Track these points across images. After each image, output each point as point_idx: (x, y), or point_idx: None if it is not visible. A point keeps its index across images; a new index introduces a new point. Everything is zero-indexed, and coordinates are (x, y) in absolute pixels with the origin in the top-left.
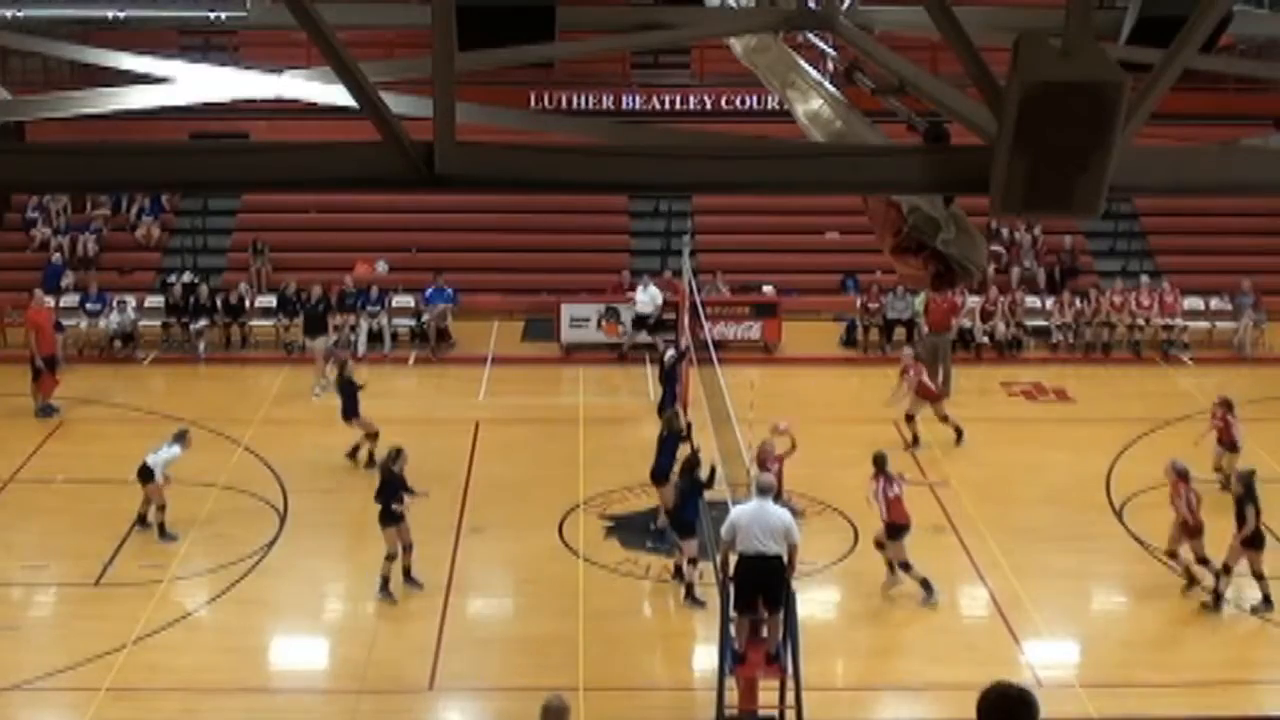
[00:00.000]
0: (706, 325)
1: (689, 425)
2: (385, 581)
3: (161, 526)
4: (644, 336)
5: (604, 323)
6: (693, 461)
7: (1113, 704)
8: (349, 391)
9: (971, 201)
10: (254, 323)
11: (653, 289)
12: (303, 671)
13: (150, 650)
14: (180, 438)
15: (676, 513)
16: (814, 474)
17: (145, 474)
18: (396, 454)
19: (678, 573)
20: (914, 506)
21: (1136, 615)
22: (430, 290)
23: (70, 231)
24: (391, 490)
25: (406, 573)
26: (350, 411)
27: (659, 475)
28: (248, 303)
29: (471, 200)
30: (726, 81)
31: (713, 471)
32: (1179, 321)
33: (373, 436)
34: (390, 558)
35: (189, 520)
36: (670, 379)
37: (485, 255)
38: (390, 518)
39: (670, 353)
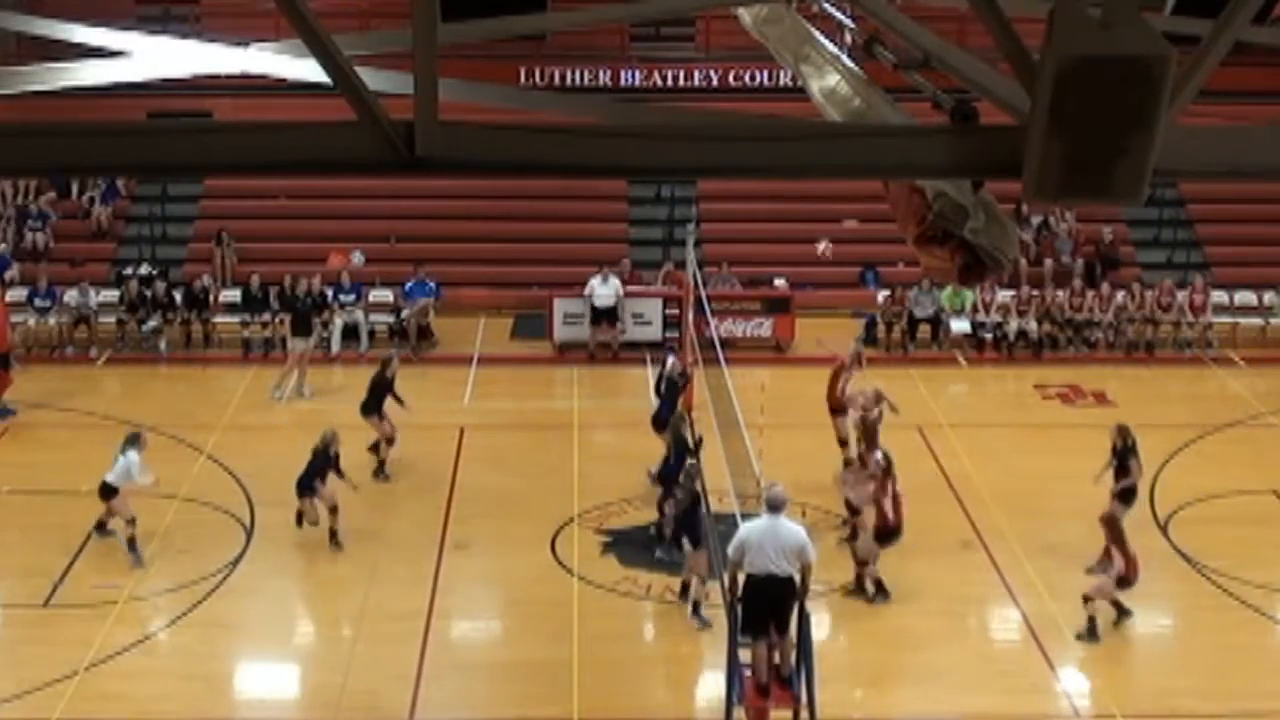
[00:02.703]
0: (713, 322)
1: (699, 439)
2: (333, 534)
3: (132, 541)
4: (603, 334)
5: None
6: (693, 471)
7: None
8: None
9: (1002, 187)
10: (218, 319)
11: (613, 280)
12: (272, 700)
13: (104, 677)
14: (133, 442)
15: (683, 522)
16: (830, 484)
17: (107, 490)
18: (333, 436)
19: (684, 591)
20: (939, 521)
21: (1183, 639)
22: (410, 284)
23: (16, 219)
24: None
25: (333, 535)
26: (372, 408)
27: (665, 480)
28: (211, 297)
29: (456, 185)
30: (735, 56)
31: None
32: (1206, 318)
33: (390, 441)
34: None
35: (147, 535)
36: (670, 392)
37: (470, 246)
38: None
39: (672, 360)
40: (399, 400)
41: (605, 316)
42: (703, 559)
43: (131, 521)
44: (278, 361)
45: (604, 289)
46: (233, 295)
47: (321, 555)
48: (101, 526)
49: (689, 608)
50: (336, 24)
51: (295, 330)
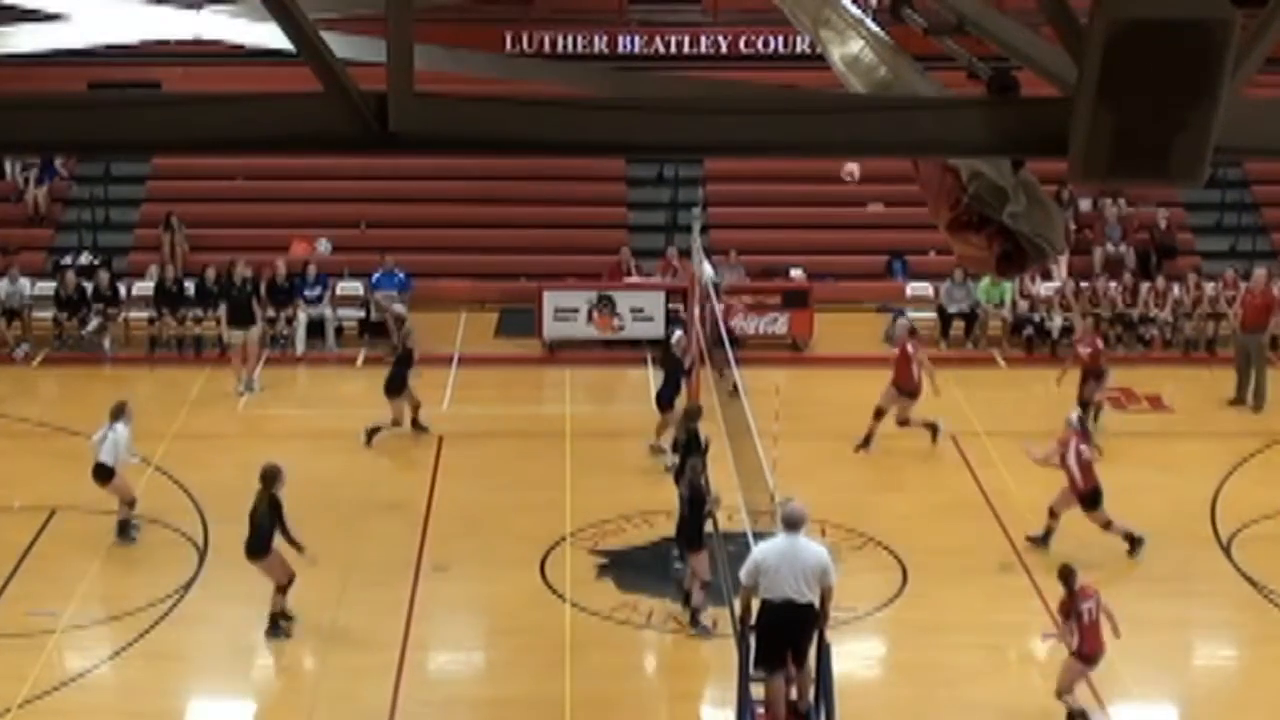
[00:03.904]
0: (721, 318)
1: (707, 440)
2: (276, 619)
3: (125, 525)
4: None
5: (596, 314)
6: (696, 469)
7: None
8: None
9: (1045, 166)
10: (133, 315)
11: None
12: None
13: (39, 715)
14: (119, 413)
15: (682, 525)
16: (853, 500)
17: (103, 472)
18: (276, 472)
19: (686, 600)
20: (976, 541)
21: (1247, 672)
22: (377, 274)
23: None
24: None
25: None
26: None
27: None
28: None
29: (433, 164)
30: (745, 19)
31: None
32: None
33: (398, 423)
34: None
35: (88, 556)
36: (673, 366)
37: (450, 232)
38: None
39: (679, 334)
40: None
41: None
42: (703, 560)
43: (131, 503)
44: (230, 360)
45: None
46: (145, 288)
47: None
48: (125, 528)
49: (688, 616)
50: None
51: (232, 320)
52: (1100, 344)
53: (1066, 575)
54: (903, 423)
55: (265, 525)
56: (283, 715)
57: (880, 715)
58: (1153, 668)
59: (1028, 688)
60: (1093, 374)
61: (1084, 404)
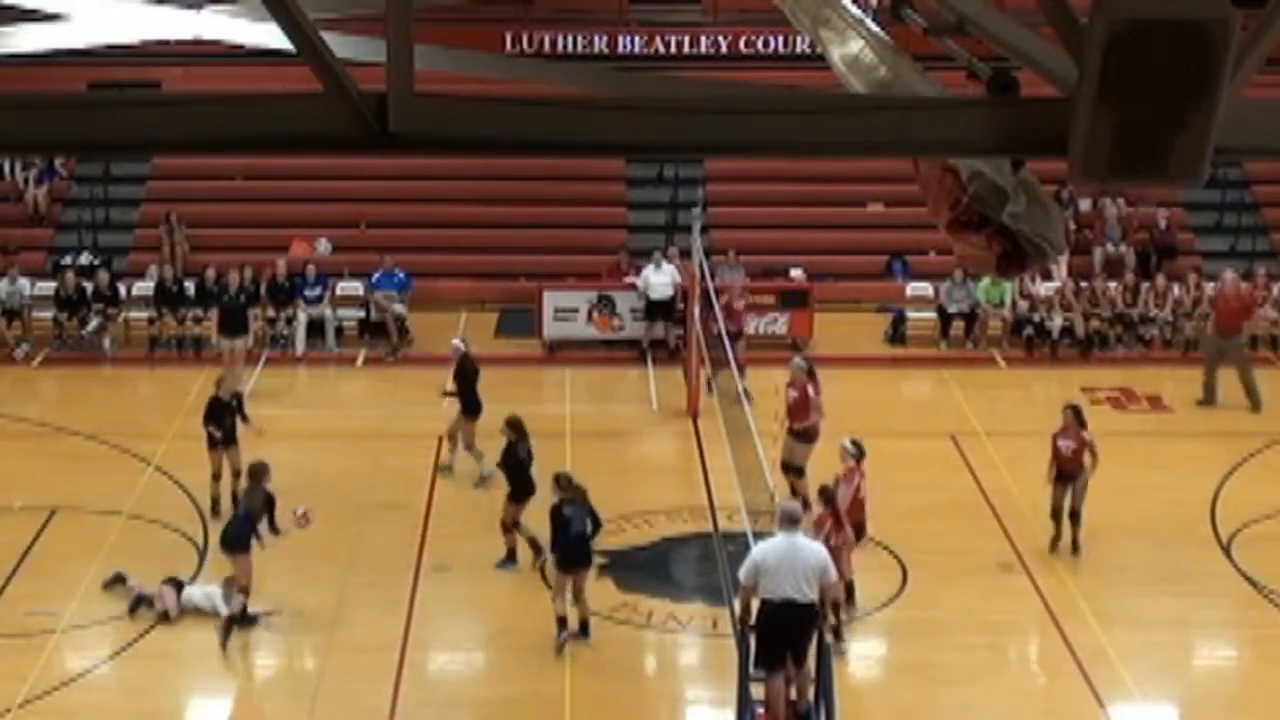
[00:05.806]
0: (721, 317)
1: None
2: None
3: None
4: (660, 330)
5: (596, 314)
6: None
7: None
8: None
9: (1045, 166)
10: (134, 315)
11: (668, 267)
12: None
13: (39, 716)
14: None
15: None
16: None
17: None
18: (265, 468)
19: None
20: (976, 541)
21: (1247, 672)
22: (378, 274)
23: None
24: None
25: (240, 619)
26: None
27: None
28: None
29: (433, 164)
30: (745, 19)
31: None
32: (1266, 312)
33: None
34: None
35: (88, 556)
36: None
37: (450, 232)
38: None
39: (456, 342)
40: (244, 417)
41: (662, 310)
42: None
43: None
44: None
45: (659, 277)
46: (145, 288)
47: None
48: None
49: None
50: None
51: (223, 328)
52: (1086, 438)
53: (827, 495)
54: (796, 470)
55: (251, 520)
56: (283, 715)
57: (880, 715)
58: (1153, 668)
59: (1028, 688)
60: (1069, 477)
61: (1056, 513)
